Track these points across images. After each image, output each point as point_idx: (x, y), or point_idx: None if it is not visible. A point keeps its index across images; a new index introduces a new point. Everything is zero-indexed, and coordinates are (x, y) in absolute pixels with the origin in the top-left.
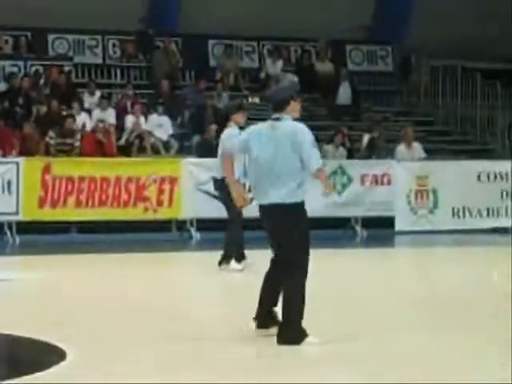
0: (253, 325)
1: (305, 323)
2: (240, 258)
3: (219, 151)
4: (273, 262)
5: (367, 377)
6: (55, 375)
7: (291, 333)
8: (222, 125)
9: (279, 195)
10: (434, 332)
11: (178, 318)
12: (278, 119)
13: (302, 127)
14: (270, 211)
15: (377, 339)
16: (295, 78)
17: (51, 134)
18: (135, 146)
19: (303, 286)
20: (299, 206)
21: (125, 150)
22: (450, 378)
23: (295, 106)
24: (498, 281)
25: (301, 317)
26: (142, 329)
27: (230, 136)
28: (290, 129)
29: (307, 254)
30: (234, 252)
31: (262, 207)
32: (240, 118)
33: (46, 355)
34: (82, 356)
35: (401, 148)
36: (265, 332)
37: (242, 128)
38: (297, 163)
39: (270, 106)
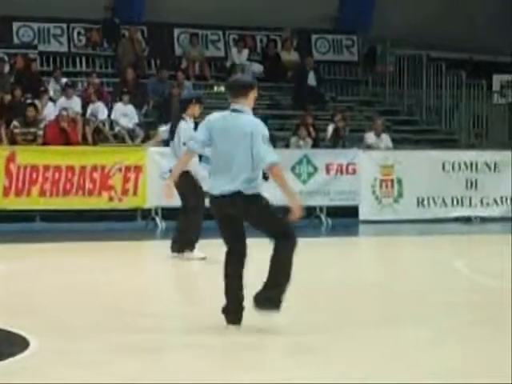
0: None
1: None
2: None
3: (174, 141)
4: (228, 253)
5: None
6: (19, 364)
7: (276, 294)
8: (178, 116)
9: (236, 186)
10: (393, 324)
11: (139, 308)
12: (236, 111)
13: (257, 122)
14: (230, 200)
15: (335, 331)
16: (261, 68)
17: (15, 123)
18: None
19: (292, 258)
20: (257, 196)
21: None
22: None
23: (253, 95)
24: (460, 270)
25: (287, 285)
26: (102, 318)
27: (189, 131)
28: (246, 122)
29: (288, 225)
30: (195, 240)
31: (218, 197)
32: (195, 110)
33: (8, 344)
34: (44, 345)
35: (369, 135)
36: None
37: (196, 121)
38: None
39: (230, 94)
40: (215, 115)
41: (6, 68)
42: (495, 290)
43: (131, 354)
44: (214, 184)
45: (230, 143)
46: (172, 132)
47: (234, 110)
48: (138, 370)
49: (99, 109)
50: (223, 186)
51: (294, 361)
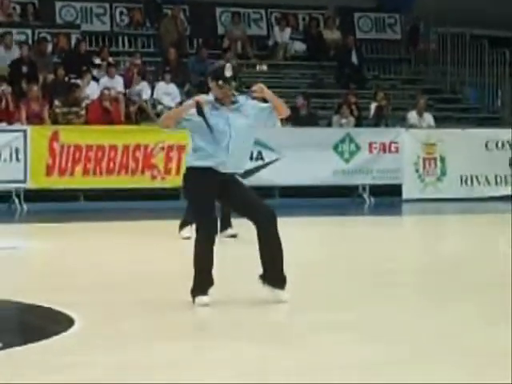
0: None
1: (304, 290)
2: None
3: None
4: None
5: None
6: (63, 342)
7: (283, 276)
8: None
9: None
10: (439, 300)
11: (182, 286)
12: None
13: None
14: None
15: (380, 307)
16: (303, 47)
17: (57, 102)
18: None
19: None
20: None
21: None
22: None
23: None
24: (505, 249)
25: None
26: (147, 298)
27: None
28: None
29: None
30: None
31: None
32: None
33: (52, 322)
34: (89, 325)
35: (412, 114)
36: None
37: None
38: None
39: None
40: None
41: (49, 48)
42: None
43: (175, 336)
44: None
45: None
46: None
47: None
48: (178, 353)
49: (143, 88)
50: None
51: (332, 337)
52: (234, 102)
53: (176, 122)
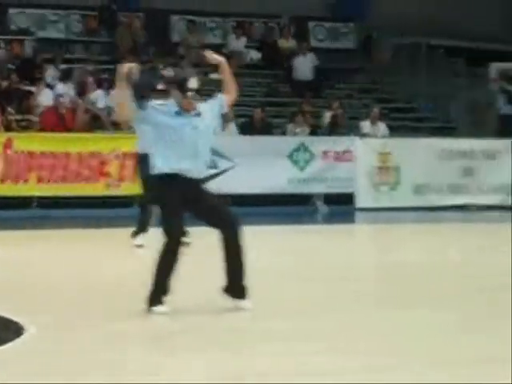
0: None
1: (259, 298)
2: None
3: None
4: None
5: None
6: (13, 350)
7: (245, 286)
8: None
9: None
10: (392, 308)
11: (135, 294)
12: None
13: None
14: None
15: (334, 315)
16: (258, 55)
17: (10, 109)
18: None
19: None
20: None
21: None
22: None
23: None
24: (457, 257)
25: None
26: (97, 305)
27: None
28: None
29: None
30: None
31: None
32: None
33: (3, 330)
34: (40, 332)
35: (365, 124)
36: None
37: None
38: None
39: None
40: None
41: (3, 54)
42: (486, 278)
43: (126, 342)
44: None
45: None
46: None
47: None
48: (132, 358)
49: (98, 96)
50: None
51: (307, 347)
52: (196, 108)
53: (128, 106)
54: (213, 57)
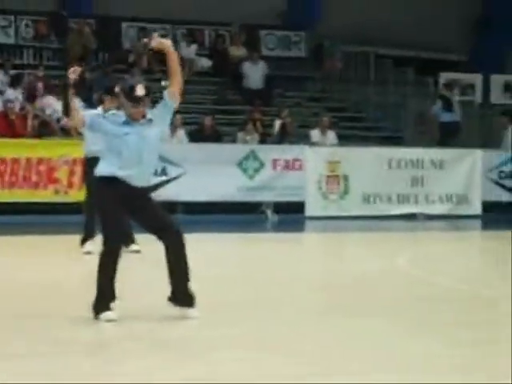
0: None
1: (206, 306)
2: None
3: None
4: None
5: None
6: None
7: (191, 294)
8: None
9: None
10: (339, 317)
11: (82, 301)
12: None
13: None
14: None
15: (282, 323)
16: (209, 63)
17: None
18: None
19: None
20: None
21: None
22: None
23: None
24: (404, 266)
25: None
26: (45, 310)
27: None
28: None
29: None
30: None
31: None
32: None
33: None
34: None
35: (315, 132)
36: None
37: None
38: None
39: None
40: None
41: None
42: (434, 286)
43: (73, 351)
44: None
45: None
46: None
47: None
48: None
49: (47, 102)
50: None
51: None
52: (145, 116)
53: (77, 112)
54: (158, 40)
